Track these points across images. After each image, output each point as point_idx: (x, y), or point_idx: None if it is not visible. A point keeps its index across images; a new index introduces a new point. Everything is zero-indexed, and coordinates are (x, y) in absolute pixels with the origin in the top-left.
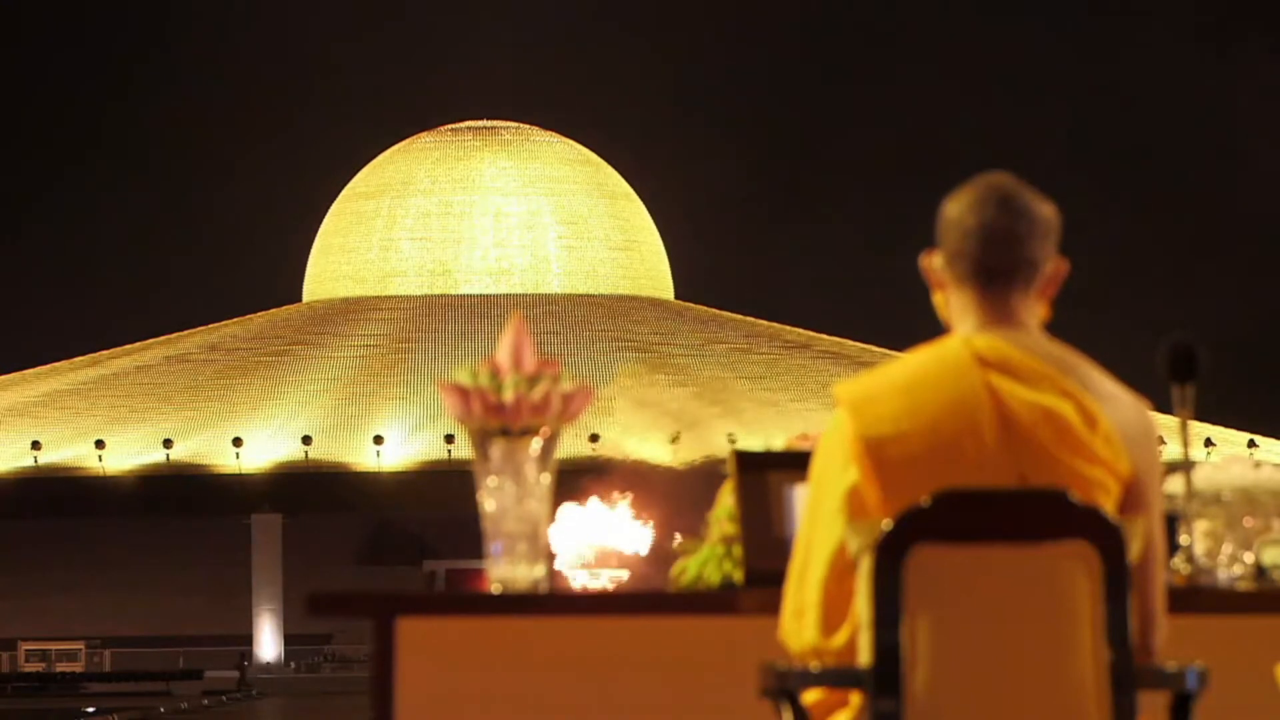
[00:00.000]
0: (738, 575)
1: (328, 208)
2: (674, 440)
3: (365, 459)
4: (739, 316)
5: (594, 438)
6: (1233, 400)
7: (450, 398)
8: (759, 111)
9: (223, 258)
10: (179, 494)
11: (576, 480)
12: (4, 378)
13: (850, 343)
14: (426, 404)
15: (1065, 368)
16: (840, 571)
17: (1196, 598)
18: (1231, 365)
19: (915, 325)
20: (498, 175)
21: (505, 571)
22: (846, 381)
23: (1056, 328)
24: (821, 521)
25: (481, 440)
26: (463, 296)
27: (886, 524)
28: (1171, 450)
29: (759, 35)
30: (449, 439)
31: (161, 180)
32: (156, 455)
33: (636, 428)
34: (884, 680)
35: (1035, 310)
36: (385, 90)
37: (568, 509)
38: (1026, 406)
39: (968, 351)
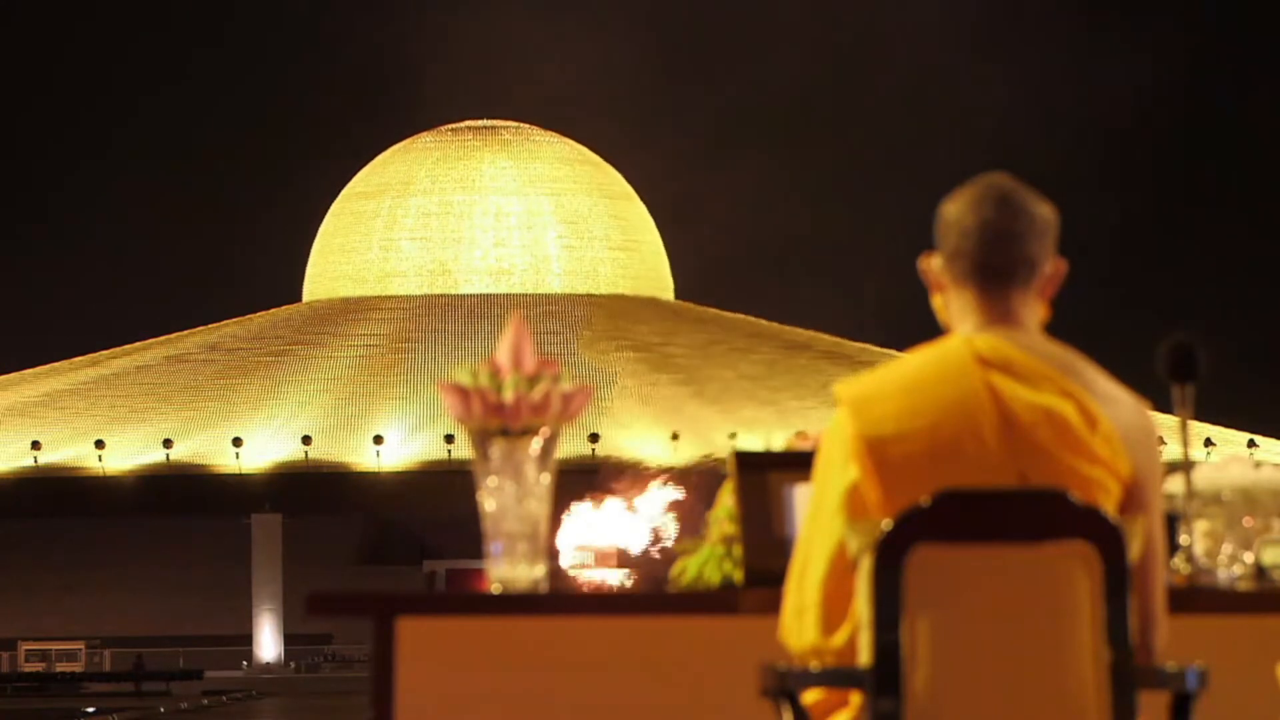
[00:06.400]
0: (738, 575)
1: (328, 208)
2: (674, 439)
3: (365, 459)
4: (739, 316)
5: (594, 438)
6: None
7: (450, 398)
8: (759, 112)
9: (223, 258)
10: (179, 494)
11: (580, 481)
12: (4, 378)
13: (850, 343)
14: (426, 404)
15: (1066, 368)
16: (840, 571)
17: (1196, 598)
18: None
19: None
20: (498, 175)
21: (505, 571)
22: (847, 381)
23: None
24: (822, 521)
25: (481, 440)
26: (463, 296)
27: (886, 524)
28: (1171, 450)
29: (758, 35)
30: (449, 439)
31: (161, 181)
32: (156, 455)
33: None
34: (884, 680)
35: (1035, 310)
36: (385, 90)
37: (581, 508)
38: (1027, 406)
39: (968, 351)
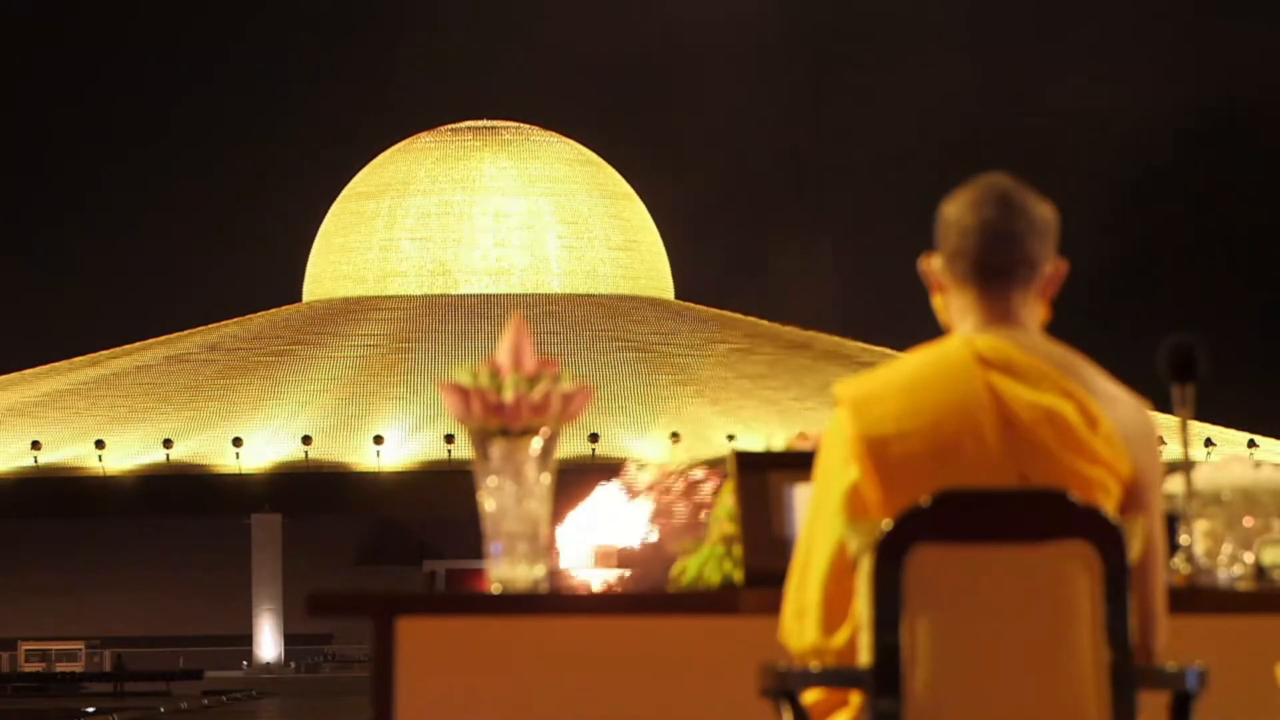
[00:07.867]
0: (738, 575)
1: (328, 208)
2: (674, 439)
3: (365, 459)
4: (739, 316)
5: (594, 438)
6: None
7: (450, 398)
8: (758, 110)
9: (223, 258)
10: (179, 494)
11: (580, 481)
12: (4, 378)
13: (850, 343)
14: (426, 404)
15: (1066, 368)
16: (841, 571)
17: (1196, 598)
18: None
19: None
20: (498, 175)
21: (505, 571)
22: (847, 381)
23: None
24: (822, 521)
25: (481, 440)
26: (463, 296)
27: (886, 524)
28: (1171, 450)
29: (757, 34)
30: (449, 439)
31: (161, 180)
32: (156, 455)
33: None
34: (884, 680)
35: (1035, 310)
36: (385, 90)
37: (590, 505)
38: (1027, 406)
39: (969, 351)
